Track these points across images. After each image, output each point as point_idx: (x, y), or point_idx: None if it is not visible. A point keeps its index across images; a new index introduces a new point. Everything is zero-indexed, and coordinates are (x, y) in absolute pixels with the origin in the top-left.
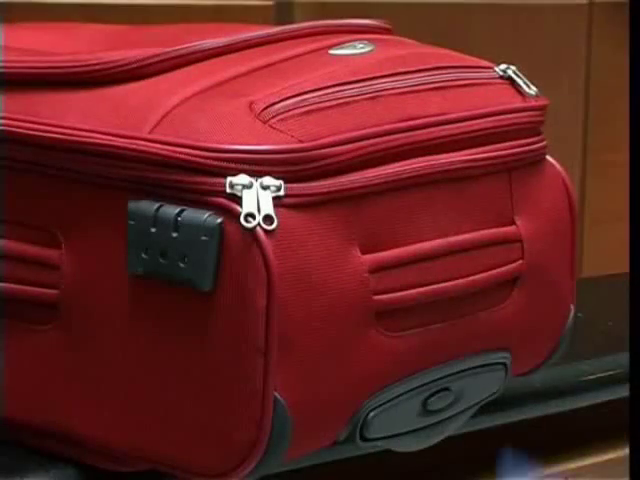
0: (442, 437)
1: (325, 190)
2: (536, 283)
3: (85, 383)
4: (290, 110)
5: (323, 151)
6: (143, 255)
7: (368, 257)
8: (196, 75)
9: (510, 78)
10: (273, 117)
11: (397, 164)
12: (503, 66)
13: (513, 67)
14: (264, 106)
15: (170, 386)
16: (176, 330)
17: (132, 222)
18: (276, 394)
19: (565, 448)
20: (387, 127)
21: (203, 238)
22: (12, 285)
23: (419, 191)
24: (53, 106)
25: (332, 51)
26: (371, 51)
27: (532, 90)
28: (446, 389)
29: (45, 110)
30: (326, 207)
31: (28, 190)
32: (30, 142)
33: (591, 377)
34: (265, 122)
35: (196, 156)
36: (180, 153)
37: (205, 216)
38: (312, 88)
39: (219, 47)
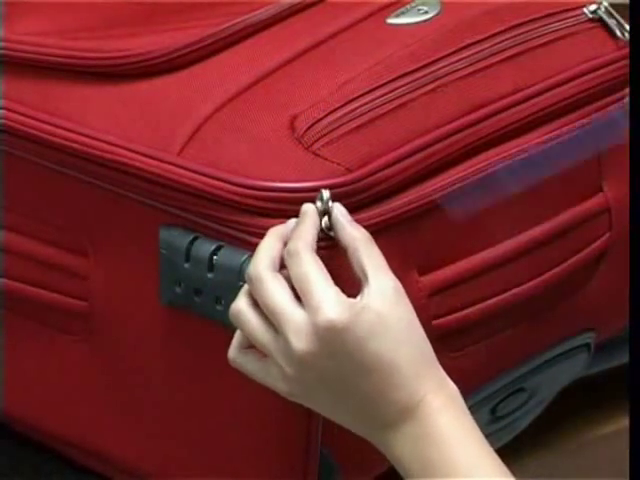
0: (514, 434)
1: (379, 219)
2: (621, 251)
3: (116, 403)
4: (337, 128)
5: (375, 177)
6: (177, 289)
7: (427, 278)
8: (233, 66)
9: (601, 20)
10: (317, 140)
11: (460, 167)
12: (593, 6)
13: (605, 4)
14: (307, 125)
15: (207, 419)
16: (212, 364)
17: (164, 251)
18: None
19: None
20: (448, 128)
21: (240, 284)
22: (39, 290)
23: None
24: (75, 103)
25: (390, 20)
26: (436, 15)
27: (626, 32)
28: (519, 390)
29: (66, 106)
30: (381, 234)
31: (55, 190)
32: (52, 146)
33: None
34: (308, 147)
35: (234, 193)
36: (215, 187)
37: (243, 259)
38: (363, 91)
39: (261, 21)
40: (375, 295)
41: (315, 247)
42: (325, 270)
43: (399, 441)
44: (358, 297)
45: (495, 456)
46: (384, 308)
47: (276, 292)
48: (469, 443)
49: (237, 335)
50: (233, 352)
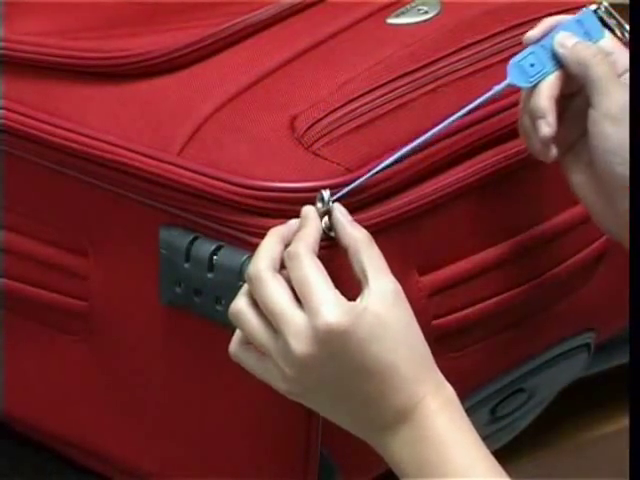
0: (514, 434)
1: (379, 219)
2: (621, 252)
3: (116, 403)
4: (337, 128)
5: (374, 178)
6: (177, 289)
7: (427, 278)
8: (233, 66)
9: (601, 20)
10: (317, 140)
11: (460, 167)
12: (593, 6)
13: (605, 4)
14: (307, 125)
15: (206, 419)
16: (212, 363)
17: (164, 251)
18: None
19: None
20: (448, 128)
21: (240, 283)
22: (39, 290)
23: (486, 191)
24: (75, 103)
25: (390, 20)
26: (436, 15)
27: (626, 32)
28: (519, 390)
29: (66, 107)
30: (381, 234)
31: (55, 190)
32: (52, 146)
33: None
34: (308, 147)
35: (234, 193)
36: (215, 187)
37: (243, 259)
38: (363, 91)
39: (261, 21)
40: (375, 297)
41: (317, 250)
42: (325, 273)
43: (396, 443)
44: (358, 299)
45: (491, 458)
46: (384, 310)
47: (276, 293)
48: (465, 445)
49: (239, 330)
50: (234, 347)
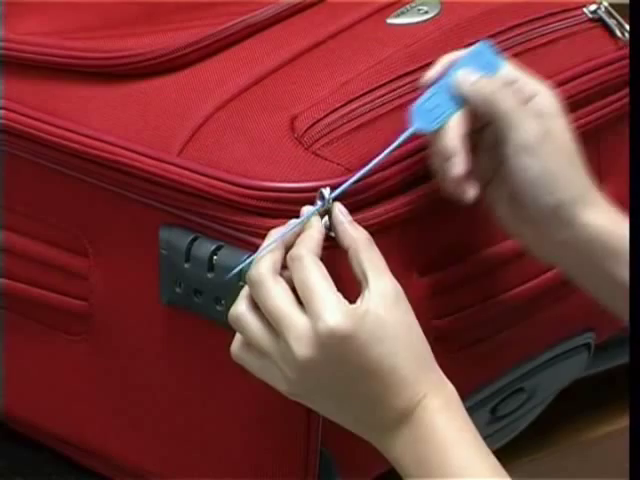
0: (514, 434)
1: (379, 219)
2: None
3: (116, 403)
4: (337, 128)
5: (375, 177)
6: (177, 289)
7: (427, 279)
8: (233, 66)
9: (601, 19)
10: (317, 140)
11: None
12: (593, 6)
13: (605, 4)
14: (307, 125)
15: (206, 419)
16: (212, 364)
17: (164, 252)
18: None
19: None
20: None
21: (240, 284)
22: (39, 290)
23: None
24: (75, 103)
25: (390, 20)
26: (436, 15)
27: (625, 32)
28: (519, 390)
29: (66, 106)
30: (381, 234)
31: (55, 190)
32: (52, 147)
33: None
34: (308, 147)
35: (234, 193)
36: (215, 187)
37: (243, 259)
38: (363, 91)
39: (261, 21)
40: (375, 298)
41: (320, 253)
42: (328, 276)
43: (398, 443)
44: (358, 301)
45: (492, 457)
46: (384, 312)
47: (277, 296)
48: (465, 444)
49: None
50: (236, 348)
